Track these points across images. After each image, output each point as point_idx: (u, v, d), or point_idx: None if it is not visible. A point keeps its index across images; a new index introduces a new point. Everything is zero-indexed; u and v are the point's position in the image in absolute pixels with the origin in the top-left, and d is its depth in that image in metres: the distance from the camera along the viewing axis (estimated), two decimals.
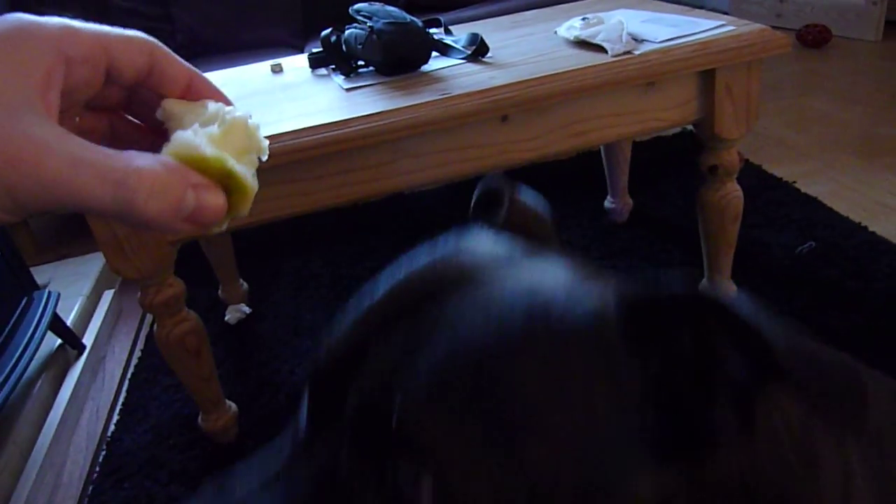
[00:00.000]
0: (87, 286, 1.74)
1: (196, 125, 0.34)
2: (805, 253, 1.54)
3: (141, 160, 0.29)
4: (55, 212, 0.33)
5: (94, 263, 1.85)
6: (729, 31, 1.12)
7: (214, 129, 0.33)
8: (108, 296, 1.78)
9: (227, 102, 0.36)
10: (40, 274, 1.74)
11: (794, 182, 1.87)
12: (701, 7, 3.98)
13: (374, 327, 0.36)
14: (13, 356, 1.22)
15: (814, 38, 2.95)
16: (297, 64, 1.45)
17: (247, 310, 1.69)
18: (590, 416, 0.31)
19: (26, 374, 1.32)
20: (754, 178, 1.91)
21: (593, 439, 0.31)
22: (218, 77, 1.49)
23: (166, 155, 0.31)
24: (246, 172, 0.34)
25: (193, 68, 0.36)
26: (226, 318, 1.68)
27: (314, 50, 1.37)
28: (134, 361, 1.60)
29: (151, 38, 0.34)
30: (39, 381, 1.40)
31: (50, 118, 0.29)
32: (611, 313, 0.33)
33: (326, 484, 0.33)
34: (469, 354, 0.32)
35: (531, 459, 0.31)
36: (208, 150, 0.32)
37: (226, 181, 0.33)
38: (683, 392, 0.32)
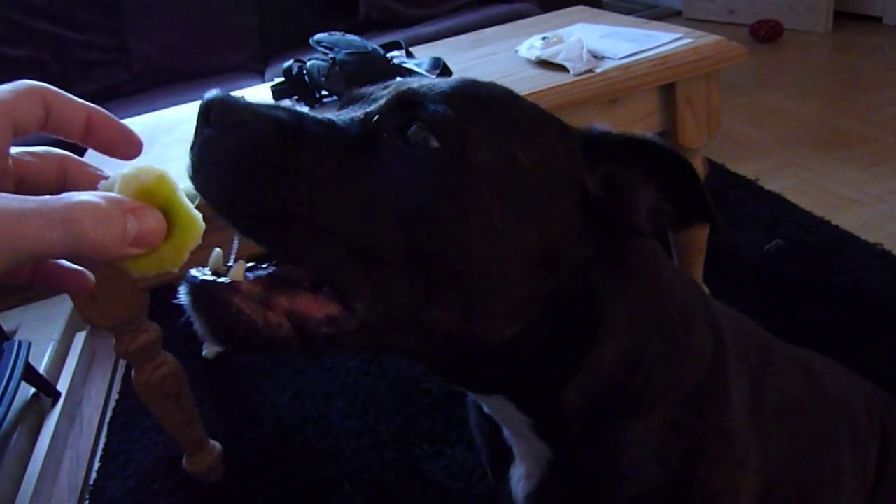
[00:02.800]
0: (57, 330, 1.70)
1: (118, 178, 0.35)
2: (773, 251, 1.58)
3: (79, 196, 0.31)
4: (6, 274, 0.34)
5: (62, 305, 1.81)
6: (687, 44, 1.14)
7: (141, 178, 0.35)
8: (80, 338, 1.75)
9: (131, 136, 0.39)
10: (7, 320, 1.70)
11: (758, 179, 1.91)
12: (654, 6, 4.06)
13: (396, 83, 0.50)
14: None
15: (766, 32, 3.02)
16: (260, 95, 1.44)
17: None
18: (553, 156, 0.47)
19: (2, 429, 1.29)
20: (718, 178, 1.95)
21: (551, 168, 0.47)
22: (179, 111, 1.47)
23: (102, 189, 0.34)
24: (188, 202, 0.36)
25: (89, 104, 0.37)
26: (203, 354, 1.65)
27: (277, 80, 1.37)
28: (111, 404, 1.57)
29: (41, 84, 0.35)
30: (15, 434, 1.37)
31: None
32: (578, 135, 0.49)
33: (361, 124, 0.45)
34: (484, 87, 0.48)
35: (514, 155, 0.45)
36: (144, 178, 0.34)
37: (169, 212, 0.35)
38: (610, 202, 0.48)
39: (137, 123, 1.44)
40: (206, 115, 0.40)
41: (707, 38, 1.15)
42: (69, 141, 0.38)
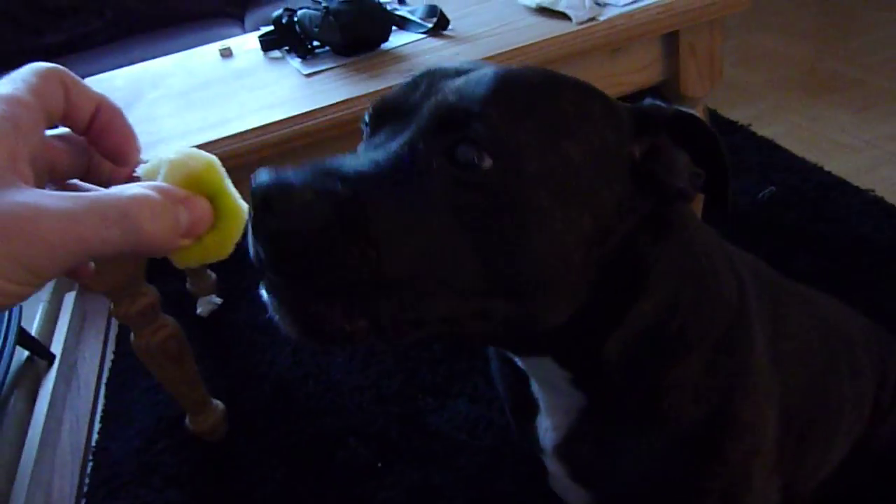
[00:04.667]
0: (46, 291, 1.67)
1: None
2: (766, 198, 1.58)
3: (130, 190, 0.30)
4: (69, 272, 0.34)
5: None
6: None
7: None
8: (70, 298, 1.72)
9: (134, 141, 0.37)
10: None
11: (750, 125, 1.90)
12: None
13: (428, 83, 0.49)
14: None
15: None
16: (247, 46, 1.38)
17: (218, 300, 1.66)
18: (602, 142, 0.47)
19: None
20: (711, 124, 1.93)
21: (601, 155, 0.47)
22: (164, 64, 1.41)
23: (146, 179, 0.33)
24: (234, 191, 0.35)
25: (102, 95, 0.35)
26: (197, 312, 1.64)
27: (265, 30, 1.31)
28: (107, 365, 1.56)
29: (59, 67, 0.33)
30: (12, 399, 1.35)
31: (29, 186, 0.29)
32: (624, 109, 0.50)
33: (407, 160, 0.44)
34: (523, 79, 0.47)
35: (567, 153, 0.45)
36: (193, 164, 0.33)
37: (216, 201, 0.34)
38: (656, 170, 0.49)
39: (119, 77, 1.38)
40: (265, 203, 0.39)
41: None
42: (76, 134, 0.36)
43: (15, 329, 1.32)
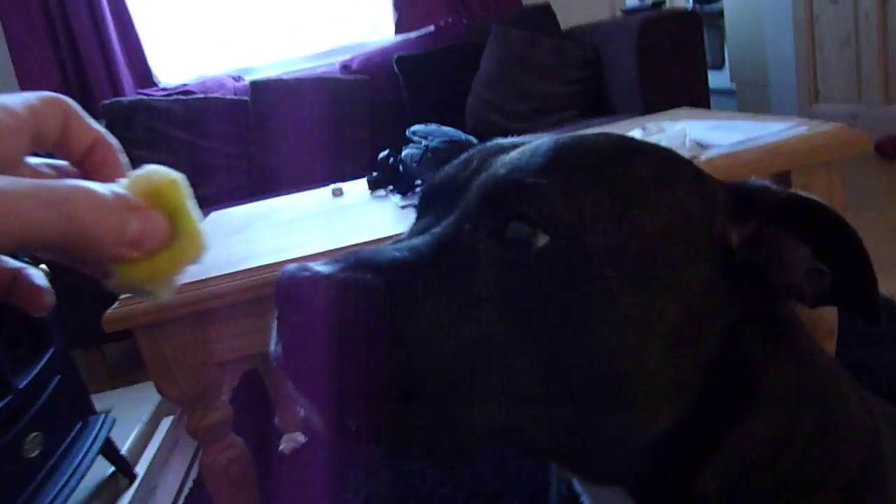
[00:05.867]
0: (146, 412, 1.72)
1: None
2: None
3: (81, 182, 0.29)
4: (7, 251, 0.33)
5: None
6: (801, 132, 1.05)
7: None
8: (166, 422, 1.75)
9: (123, 173, 0.36)
10: (104, 400, 1.74)
11: (892, 298, 1.70)
12: None
13: (480, 159, 0.45)
14: (59, 482, 1.18)
15: (894, 149, 2.83)
16: (357, 187, 1.47)
17: (302, 439, 1.62)
18: (687, 216, 0.40)
19: (74, 501, 1.27)
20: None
21: (685, 230, 0.40)
22: (280, 201, 1.52)
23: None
24: (197, 214, 0.33)
25: (103, 130, 0.35)
26: (280, 448, 1.61)
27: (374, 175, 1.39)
28: (185, 492, 1.54)
29: (64, 98, 0.33)
30: None
31: None
32: (720, 185, 0.43)
33: (451, 244, 0.40)
34: (589, 144, 0.41)
35: (640, 223, 0.39)
36: (157, 179, 0.32)
37: (175, 220, 0.32)
38: (759, 260, 0.42)
39: (238, 211, 1.50)
40: (286, 294, 0.37)
41: (824, 126, 1.06)
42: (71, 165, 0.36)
43: (102, 440, 1.35)
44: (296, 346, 0.37)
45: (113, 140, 0.36)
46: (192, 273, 1.04)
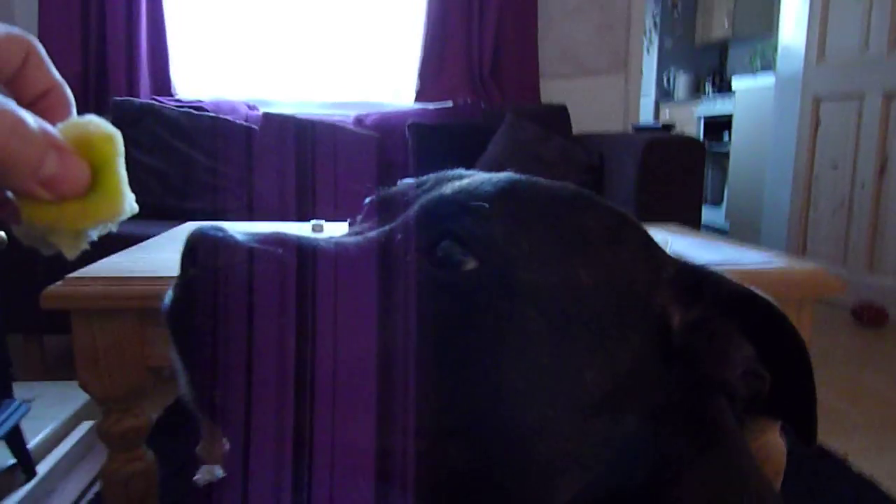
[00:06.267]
0: (65, 412, 1.63)
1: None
2: None
3: (9, 104, 0.28)
4: None
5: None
6: (780, 266, 1.06)
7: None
8: (84, 427, 1.66)
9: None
10: (28, 389, 1.66)
11: (846, 457, 1.68)
12: None
13: (436, 181, 0.43)
14: None
15: (870, 317, 2.87)
16: (339, 227, 1.46)
17: (219, 473, 1.54)
18: (628, 282, 0.38)
19: None
20: (800, 446, 1.73)
21: (623, 296, 0.38)
22: (259, 225, 1.51)
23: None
24: (124, 177, 0.31)
25: (61, 80, 0.34)
26: (194, 478, 1.52)
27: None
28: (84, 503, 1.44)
29: (32, 38, 0.33)
30: None
31: None
32: (672, 261, 0.41)
33: (378, 248, 0.38)
34: (545, 187, 0.40)
35: (576, 275, 0.37)
36: (91, 128, 0.31)
37: (99, 174, 0.31)
38: (698, 349, 0.39)
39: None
40: (192, 251, 0.35)
41: (802, 263, 1.07)
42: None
43: (9, 425, 1.27)
44: (185, 301, 0.34)
45: (68, 94, 0.35)
46: (144, 268, 1.01)
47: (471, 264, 0.36)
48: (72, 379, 1.85)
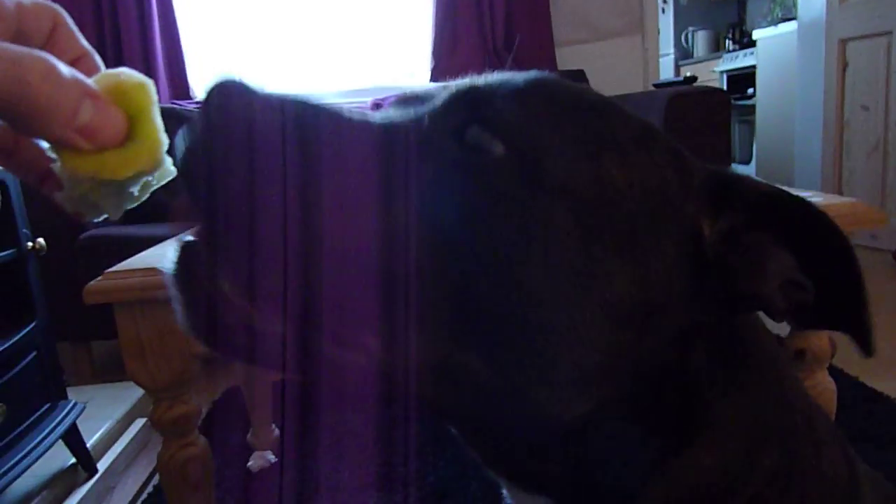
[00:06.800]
0: (119, 409, 1.68)
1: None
2: None
3: (42, 52, 0.28)
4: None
5: (137, 389, 1.81)
6: (818, 202, 1.03)
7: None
8: (139, 423, 1.71)
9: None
10: (82, 393, 1.71)
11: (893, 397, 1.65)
12: None
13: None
14: (14, 458, 1.14)
15: None
16: None
17: (272, 458, 1.57)
18: (661, 182, 0.36)
19: (28, 485, 1.23)
20: (850, 390, 1.70)
21: (656, 196, 0.36)
22: None
23: None
24: (160, 124, 0.32)
25: (90, 48, 0.35)
26: (248, 465, 1.55)
27: None
28: (143, 496, 1.48)
29: (57, 7, 0.33)
30: (38, 498, 1.30)
31: None
32: (700, 166, 0.39)
33: (405, 129, 0.36)
34: (572, 87, 0.38)
35: (608, 172, 0.35)
36: (124, 78, 0.30)
37: (135, 122, 0.31)
38: (732, 262, 0.37)
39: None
40: (209, 94, 0.33)
41: (841, 199, 1.04)
42: None
43: (66, 425, 1.31)
44: (200, 151, 0.32)
45: (99, 60, 0.36)
46: None
47: (499, 150, 0.34)
48: (122, 380, 1.91)
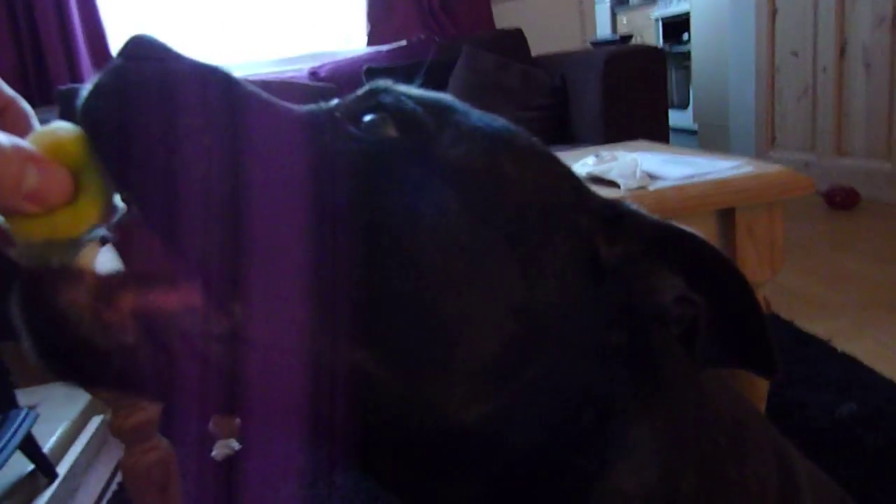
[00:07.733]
0: (75, 410, 1.65)
1: None
2: (845, 415, 1.40)
3: None
4: None
5: None
6: (749, 172, 1.08)
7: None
8: (95, 422, 1.69)
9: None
10: (31, 395, 1.67)
11: (830, 340, 1.75)
12: None
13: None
14: None
15: (842, 199, 2.93)
16: None
17: (236, 446, 1.58)
18: (554, 187, 0.39)
19: None
20: (785, 334, 1.80)
21: (548, 196, 0.38)
22: None
23: None
24: (102, 171, 0.31)
25: (15, 94, 0.34)
26: (212, 454, 1.56)
27: None
28: (108, 496, 1.48)
29: None
30: None
31: None
32: (596, 196, 0.41)
33: (312, 113, 0.38)
34: (474, 110, 0.40)
35: (500, 165, 0.37)
36: (61, 133, 0.31)
37: (79, 176, 0.31)
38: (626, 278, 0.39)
39: None
40: (124, 47, 0.35)
41: (770, 167, 1.09)
42: None
43: (21, 436, 1.29)
44: (110, 85, 0.32)
45: (26, 106, 0.35)
46: None
47: (391, 132, 0.36)
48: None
